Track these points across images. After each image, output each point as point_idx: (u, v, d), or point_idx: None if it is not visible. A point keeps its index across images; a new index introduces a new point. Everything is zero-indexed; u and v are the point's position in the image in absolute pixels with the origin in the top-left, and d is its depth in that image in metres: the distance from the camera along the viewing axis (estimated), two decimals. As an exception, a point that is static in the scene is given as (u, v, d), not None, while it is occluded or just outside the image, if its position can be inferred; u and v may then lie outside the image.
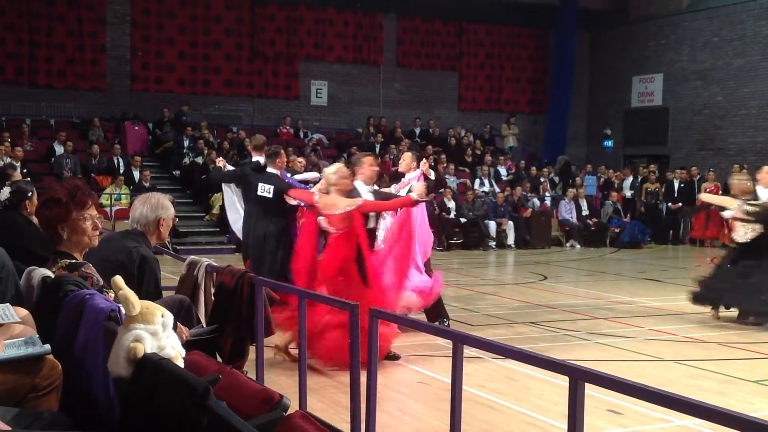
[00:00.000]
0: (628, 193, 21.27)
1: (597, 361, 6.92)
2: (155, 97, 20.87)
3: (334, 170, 6.86)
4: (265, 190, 8.54)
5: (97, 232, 4.18)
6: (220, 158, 10.15)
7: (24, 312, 3.68)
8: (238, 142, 19.92)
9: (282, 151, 8.89)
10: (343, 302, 4.73)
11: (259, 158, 9.00)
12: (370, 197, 7.03)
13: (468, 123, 24.44)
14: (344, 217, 6.63)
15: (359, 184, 7.08)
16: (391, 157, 20.07)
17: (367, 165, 7.16)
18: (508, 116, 24.49)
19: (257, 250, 8.48)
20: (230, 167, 9.81)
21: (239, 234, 9.21)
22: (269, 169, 8.63)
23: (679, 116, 23.68)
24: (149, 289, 4.66)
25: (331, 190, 6.76)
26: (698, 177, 20.48)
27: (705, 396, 5.72)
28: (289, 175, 9.62)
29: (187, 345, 3.46)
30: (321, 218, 6.78)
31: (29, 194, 5.45)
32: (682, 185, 20.51)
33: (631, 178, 21.69)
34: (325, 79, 23.29)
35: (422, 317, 8.05)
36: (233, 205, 9.47)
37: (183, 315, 4.80)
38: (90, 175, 17.28)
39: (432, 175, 8.77)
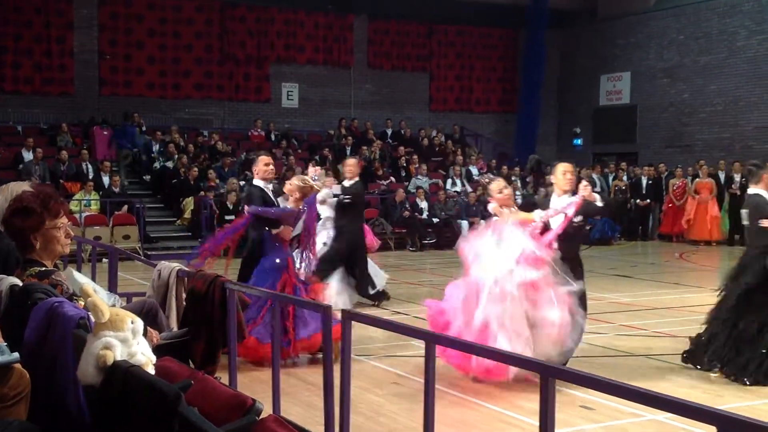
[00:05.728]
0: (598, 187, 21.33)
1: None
2: (124, 101, 20.67)
3: None
4: None
5: (69, 240, 4.13)
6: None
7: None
8: (209, 145, 19.83)
9: (259, 158, 7.92)
10: (315, 303, 4.71)
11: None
12: None
13: (439, 123, 24.51)
14: None
15: None
16: (362, 157, 20.10)
17: None
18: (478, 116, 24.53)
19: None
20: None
21: None
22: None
23: (647, 114, 23.94)
24: None
25: None
26: (666, 174, 20.72)
27: (676, 390, 5.79)
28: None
29: (159, 351, 3.43)
30: None
31: None
32: (650, 182, 20.73)
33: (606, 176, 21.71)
34: (296, 81, 23.21)
35: None
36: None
37: (150, 319, 4.77)
38: (59, 182, 17.06)
39: (598, 201, 6.94)
